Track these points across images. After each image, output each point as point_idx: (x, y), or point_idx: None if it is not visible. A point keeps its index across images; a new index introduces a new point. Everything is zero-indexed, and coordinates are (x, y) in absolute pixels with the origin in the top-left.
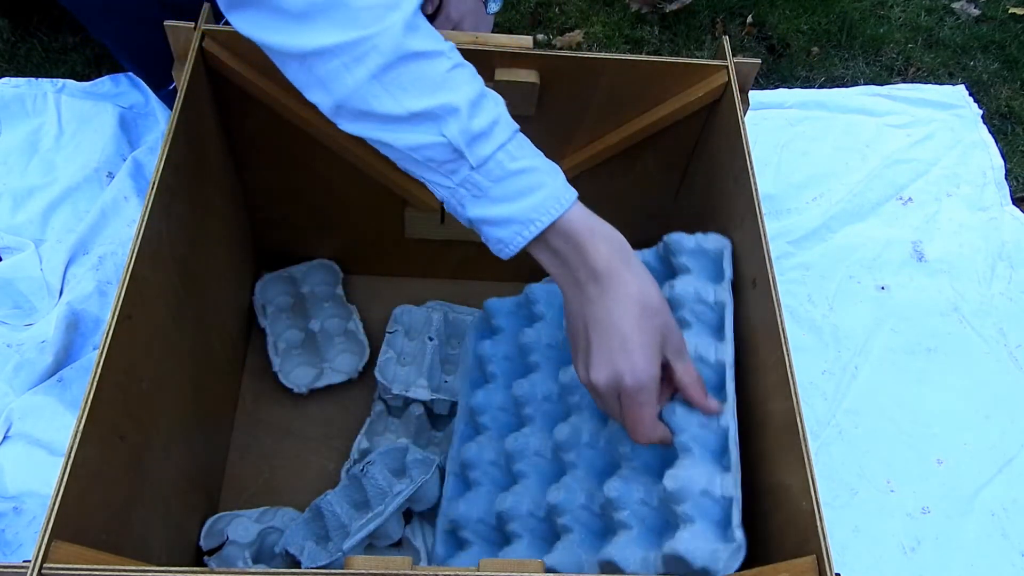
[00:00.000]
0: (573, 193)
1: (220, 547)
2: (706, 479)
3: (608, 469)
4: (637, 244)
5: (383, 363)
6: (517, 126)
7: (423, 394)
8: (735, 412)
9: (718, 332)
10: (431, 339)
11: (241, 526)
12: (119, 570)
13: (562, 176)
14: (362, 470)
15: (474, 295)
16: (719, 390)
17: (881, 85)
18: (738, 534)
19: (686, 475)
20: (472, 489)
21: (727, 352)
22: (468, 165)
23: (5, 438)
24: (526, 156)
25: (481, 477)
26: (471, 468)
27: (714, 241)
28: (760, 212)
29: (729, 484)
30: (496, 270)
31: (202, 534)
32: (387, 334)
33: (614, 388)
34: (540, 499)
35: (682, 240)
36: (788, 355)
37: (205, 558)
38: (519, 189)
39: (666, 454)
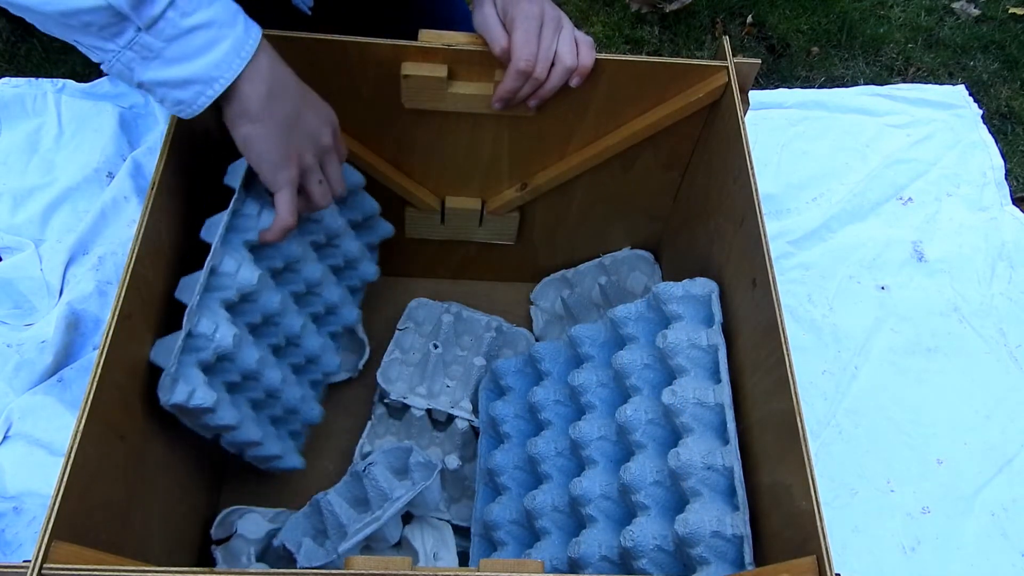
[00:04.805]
0: (255, 37)
1: (229, 538)
2: (716, 520)
3: (625, 518)
4: (637, 244)
5: (387, 364)
6: None
7: (420, 403)
8: (738, 452)
9: (714, 375)
10: (436, 346)
11: (252, 522)
12: (119, 570)
13: (241, 20)
14: (364, 470)
15: (474, 295)
16: (720, 430)
17: (881, 85)
18: (751, 570)
19: (696, 519)
20: (498, 549)
21: (725, 394)
22: (135, 27)
23: (5, 438)
24: (200, 8)
25: (505, 536)
26: (495, 529)
27: (701, 286)
28: (760, 212)
29: (739, 523)
30: (496, 270)
31: (215, 523)
32: (397, 331)
33: (334, 133)
34: (562, 553)
35: (671, 288)
36: (788, 355)
37: (212, 547)
38: (197, 47)
39: (679, 498)
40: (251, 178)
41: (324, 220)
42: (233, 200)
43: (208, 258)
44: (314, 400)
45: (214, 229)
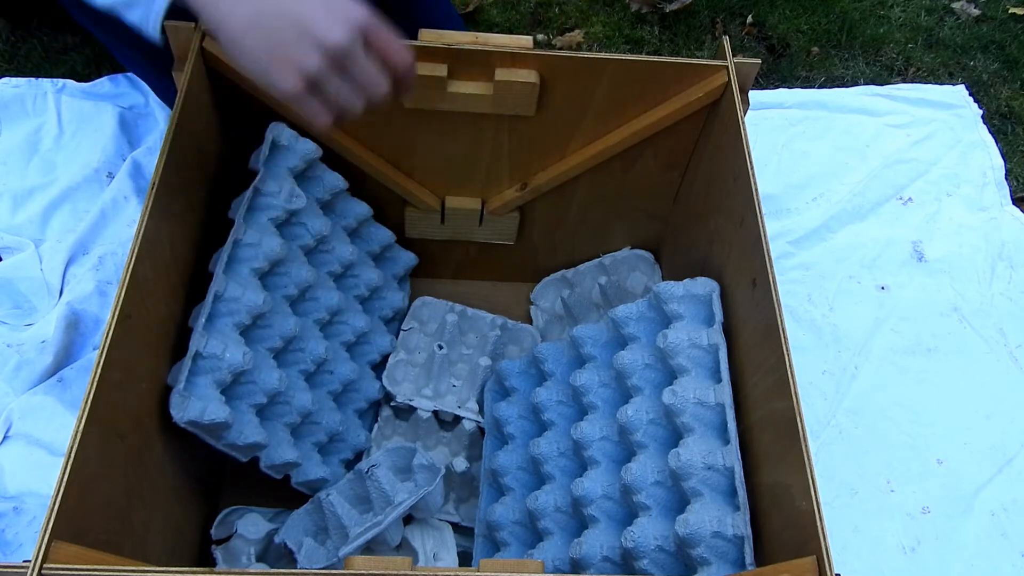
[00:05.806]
0: None
1: (229, 538)
2: (717, 521)
3: (627, 519)
4: (637, 244)
5: (392, 366)
6: None
7: (427, 404)
8: (739, 452)
9: (715, 374)
10: (440, 347)
11: (251, 522)
12: (119, 570)
13: None
14: (367, 471)
15: (474, 295)
16: (721, 430)
17: (881, 85)
18: (751, 570)
19: (696, 519)
20: (500, 549)
21: (725, 393)
22: None
23: (5, 438)
24: None
25: (508, 537)
26: (498, 529)
27: (702, 285)
28: (760, 212)
29: (740, 523)
30: (496, 270)
31: (215, 523)
32: (402, 332)
33: (358, 33)
34: (564, 553)
35: (671, 288)
36: (788, 355)
37: (212, 547)
38: None
39: (680, 498)
40: (250, 209)
41: (336, 250)
42: (233, 230)
43: (211, 284)
44: (359, 427)
45: (219, 260)
